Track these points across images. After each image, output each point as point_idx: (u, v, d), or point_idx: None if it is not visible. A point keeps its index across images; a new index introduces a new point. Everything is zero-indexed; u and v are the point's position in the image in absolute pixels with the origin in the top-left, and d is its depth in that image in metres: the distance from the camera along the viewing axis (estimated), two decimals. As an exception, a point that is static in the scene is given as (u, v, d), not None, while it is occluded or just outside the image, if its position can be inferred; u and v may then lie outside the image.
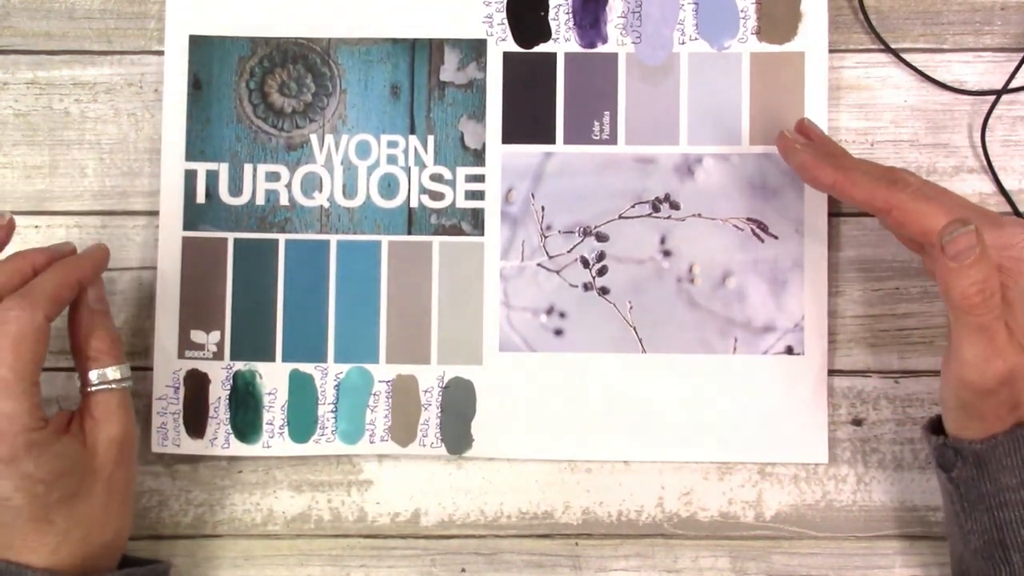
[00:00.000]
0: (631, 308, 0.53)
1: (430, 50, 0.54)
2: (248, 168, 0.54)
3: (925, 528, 0.53)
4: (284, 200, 0.54)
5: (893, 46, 0.54)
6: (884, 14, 0.54)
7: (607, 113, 0.54)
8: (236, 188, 0.54)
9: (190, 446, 0.53)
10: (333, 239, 0.54)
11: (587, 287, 0.53)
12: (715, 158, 0.53)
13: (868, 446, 0.53)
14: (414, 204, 0.54)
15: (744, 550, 0.53)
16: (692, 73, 0.54)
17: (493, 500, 0.53)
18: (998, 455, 0.43)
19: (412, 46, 0.54)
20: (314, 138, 0.54)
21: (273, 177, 0.54)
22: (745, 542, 0.53)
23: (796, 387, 0.53)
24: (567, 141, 0.54)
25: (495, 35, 0.54)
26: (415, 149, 0.54)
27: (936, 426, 0.47)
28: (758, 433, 0.53)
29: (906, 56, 0.54)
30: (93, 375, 0.47)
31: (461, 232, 0.54)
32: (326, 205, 0.54)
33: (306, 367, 0.53)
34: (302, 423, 0.53)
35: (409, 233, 0.54)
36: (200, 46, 0.54)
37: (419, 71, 0.54)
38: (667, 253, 0.53)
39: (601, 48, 0.54)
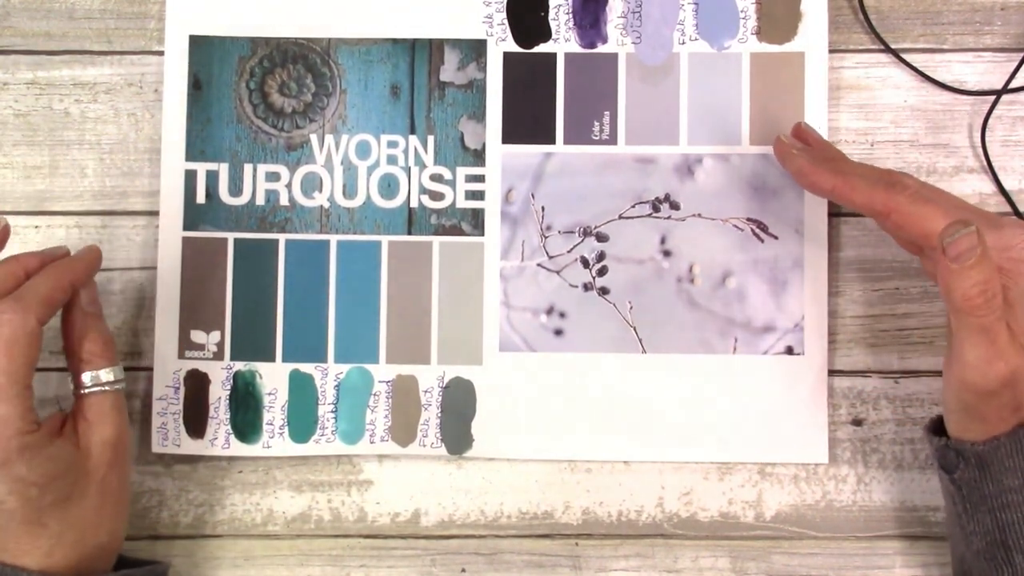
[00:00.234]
0: (631, 308, 0.53)
1: (430, 50, 0.54)
2: (248, 168, 0.54)
3: (925, 528, 0.53)
4: (284, 200, 0.54)
5: (893, 46, 0.54)
6: (884, 14, 0.54)
7: (607, 113, 0.54)
8: (236, 188, 0.54)
9: (190, 446, 0.53)
10: (333, 239, 0.54)
11: (587, 287, 0.53)
12: (715, 158, 0.53)
13: (868, 446, 0.53)
14: (414, 204, 0.54)
15: (744, 550, 0.53)
16: (692, 73, 0.54)
17: (493, 500, 0.53)
18: (1000, 456, 0.43)
19: (412, 46, 0.54)
20: (314, 138, 0.54)
21: (273, 177, 0.54)
22: (745, 542, 0.53)
23: (796, 387, 0.53)
24: (567, 141, 0.54)
25: (495, 35, 0.54)
26: (415, 149, 0.54)
27: (937, 427, 0.47)
28: (758, 433, 0.53)
29: (906, 56, 0.54)
30: (86, 377, 0.47)
31: (461, 232, 0.54)
32: (326, 205, 0.54)
33: (306, 367, 0.53)
34: (302, 423, 0.53)
35: (409, 233, 0.54)
36: (200, 46, 0.54)
37: (419, 71, 0.54)
38: (667, 253, 0.53)
39: (601, 48, 0.54)
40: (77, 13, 0.55)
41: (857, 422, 0.53)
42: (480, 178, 0.54)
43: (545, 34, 0.54)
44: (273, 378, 0.53)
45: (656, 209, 0.53)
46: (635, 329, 0.53)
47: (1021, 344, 0.42)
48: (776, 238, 0.53)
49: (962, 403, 0.44)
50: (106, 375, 0.47)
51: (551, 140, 0.54)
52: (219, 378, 0.53)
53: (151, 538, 0.53)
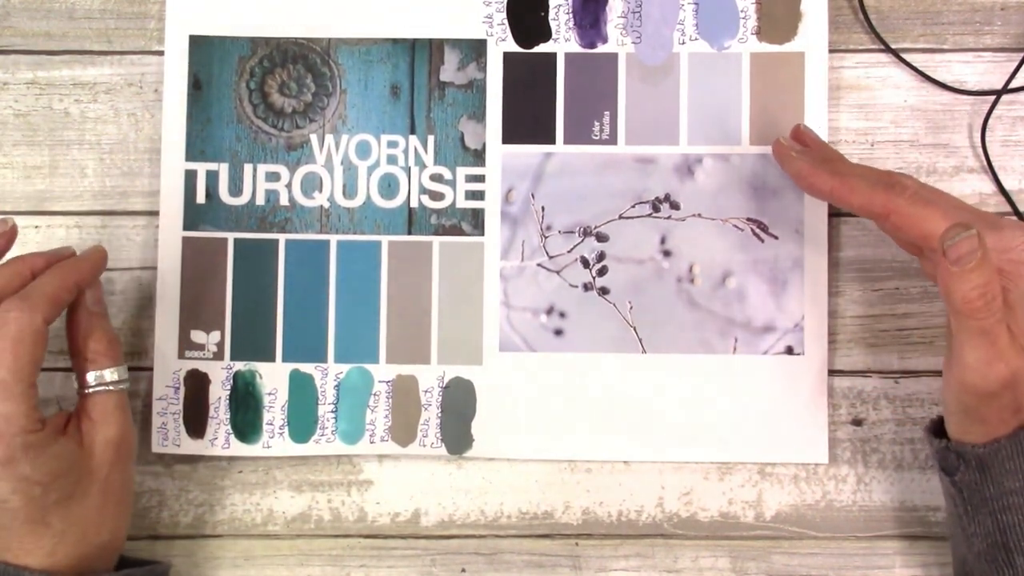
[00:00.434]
0: (631, 308, 0.53)
1: (430, 50, 0.54)
2: (248, 168, 0.54)
3: (925, 528, 0.53)
4: (284, 200, 0.54)
5: (893, 46, 0.54)
6: (884, 14, 0.54)
7: (607, 113, 0.54)
8: (236, 188, 0.54)
9: (190, 446, 0.53)
10: (333, 239, 0.54)
11: (587, 287, 0.53)
12: (715, 158, 0.53)
13: (868, 446, 0.53)
14: (414, 204, 0.54)
15: (744, 550, 0.53)
16: (692, 73, 0.54)
17: (493, 500, 0.53)
18: (1001, 458, 0.43)
19: (412, 46, 0.54)
20: (314, 138, 0.54)
21: (273, 177, 0.54)
22: (745, 542, 0.53)
23: (796, 387, 0.53)
24: (567, 141, 0.54)
25: (495, 35, 0.54)
26: (415, 149, 0.54)
27: (938, 428, 0.47)
28: (758, 433, 0.53)
29: (906, 56, 0.54)
30: (90, 377, 0.47)
31: (461, 232, 0.54)
32: (326, 205, 0.54)
33: (306, 367, 0.53)
34: (302, 423, 0.53)
35: (409, 233, 0.54)
36: (200, 46, 0.54)
37: (419, 71, 0.54)
38: (667, 253, 0.53)
39: (601, 48, 0.54)
40: (77, 13, 0.55)
41: (857, 422, 0.53)
42: (480, 178, 0.54)
43: (545, 34, 0.54)
44: (273, 378, 0.53)
45: (656, 209, 0.53)
46: (635, 329, 0.53)
47: (1021, 346, 0.42)
48: (776, 238, 0.53)
49: (962, 405, 0.44)
50: (110, 375, 0.47)
51: (551, 140, 0.54)
52: (219, 378, 0.53)
53: (151, 538, 0.53)
